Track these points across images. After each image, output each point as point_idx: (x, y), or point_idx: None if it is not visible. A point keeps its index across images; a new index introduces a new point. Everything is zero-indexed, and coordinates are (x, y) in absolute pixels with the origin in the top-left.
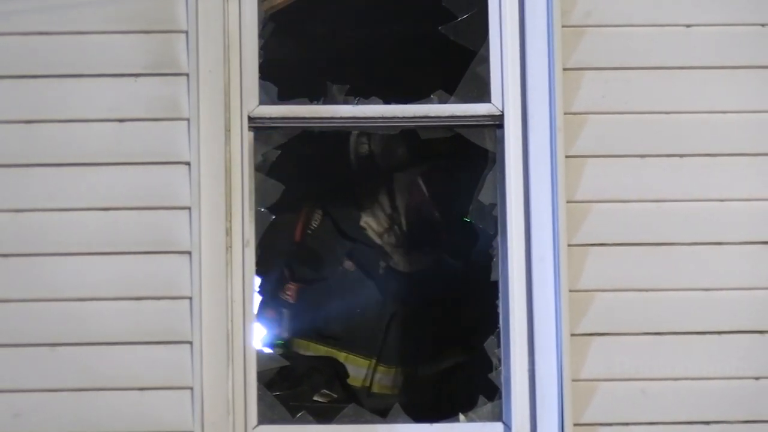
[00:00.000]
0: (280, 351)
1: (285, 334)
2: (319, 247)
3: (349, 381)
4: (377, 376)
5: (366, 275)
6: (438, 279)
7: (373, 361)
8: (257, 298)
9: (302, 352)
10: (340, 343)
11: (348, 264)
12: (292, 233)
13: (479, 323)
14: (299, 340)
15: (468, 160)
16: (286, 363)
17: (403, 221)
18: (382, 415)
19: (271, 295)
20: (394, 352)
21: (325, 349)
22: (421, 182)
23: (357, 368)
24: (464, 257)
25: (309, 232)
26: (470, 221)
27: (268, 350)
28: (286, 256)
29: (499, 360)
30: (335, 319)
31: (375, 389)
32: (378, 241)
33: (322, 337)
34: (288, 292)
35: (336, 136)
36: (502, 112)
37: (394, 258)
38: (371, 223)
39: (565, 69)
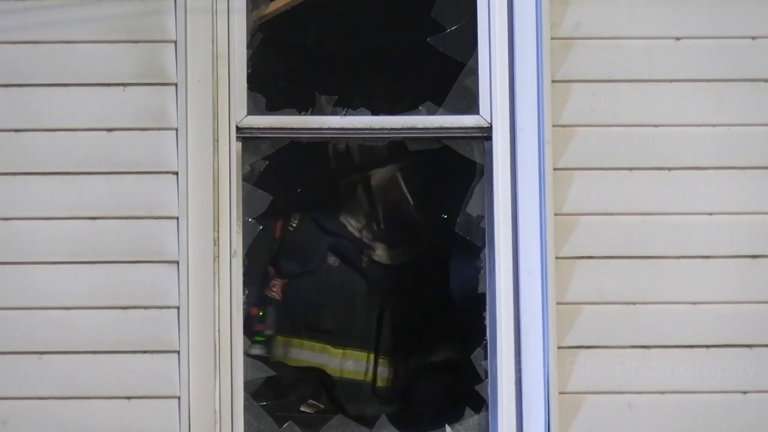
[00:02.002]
0: (264, 349)
1: (271, 332)
2: (302, 242)
3: (350, 377)
4: (379, 368)
5: (350, 268)
6: (425, 274)
7: (372, 353)
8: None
9: (295, 350)
10: (334, 338)
11: (331, 259)
12: (272, 231)
13: (466, 334)
14: (289, 338)
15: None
16: (272, 373)
17: (381, 218)
18: (370, 425)
19: (256, 294)
20: (390, 344)
21: (320, 345)
22: (399, 178)
23: (356, 362)
24: (446, 255)
25: (290, 228)
26: (447, 217)
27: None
28: (268, 254)
29: (486, 372)
30: (325, 313)
31: (379, 383)
32: (357, 235)
33: (314, 332)
34: (274, 289)
35: (319, 145)
36: (491, 124)
37: (376, 251)
38: (351, 221)
39: (553, 81)
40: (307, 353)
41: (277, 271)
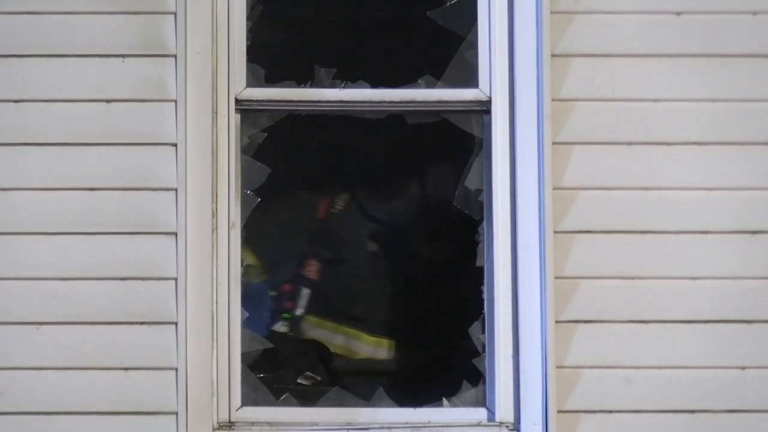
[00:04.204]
0: (289, 327)
1: (300, 312)
2: (342, 227)
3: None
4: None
5: (388, 257)
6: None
7: (393, 341)
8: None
9: (321, 330)
10: (362, 325)
11: (372, 246)
12: (315, 211)
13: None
14: (319, 319)
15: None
16: (270, 345)
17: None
18: (367, 398)
19: (291, 271)
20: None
21: (354, 331)
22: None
23: (376, 348)
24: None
25: (332, 211)
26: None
27: (280, 326)
28: (308, 234)
29: (484, 346)
30: (357, 300)
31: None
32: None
33: (345, 318)
34: (309, 269)
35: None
36: (490, 97)
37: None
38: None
39: (553, 55)
40: (341, 338)
41: (315, 252)
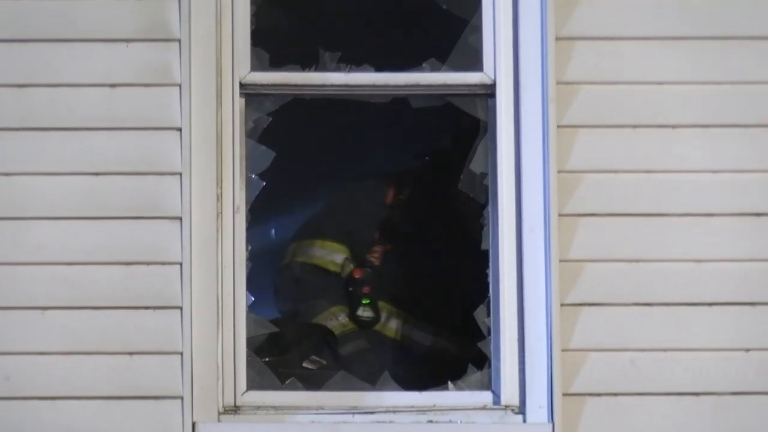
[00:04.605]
0: (367, 310)
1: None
2: (409, 213)
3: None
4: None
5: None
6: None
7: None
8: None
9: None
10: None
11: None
12: (383, 196)
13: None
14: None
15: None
16: (275, 329)
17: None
18: (373, 382)
19: (359, 256)
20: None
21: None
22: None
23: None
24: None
25: (400, 197)
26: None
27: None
28: (376, 219)
29: (489, 329)
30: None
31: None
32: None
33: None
34: (375, 255)
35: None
36: (494, 81)
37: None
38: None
39: (557, 38)
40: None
41: (381, 237)
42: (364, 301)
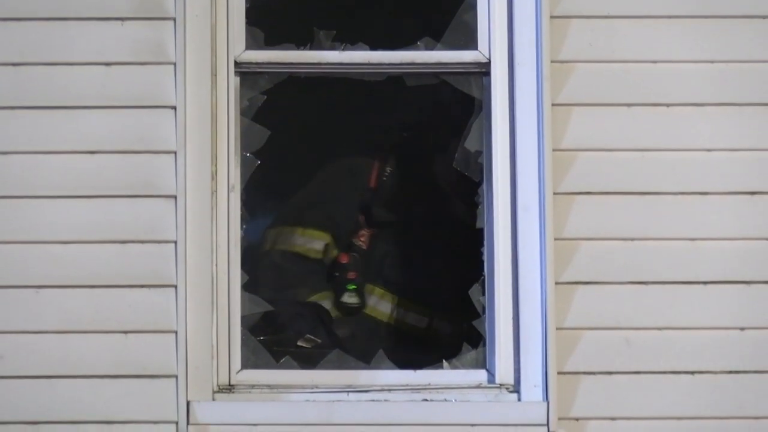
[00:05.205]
0: (352, 296)
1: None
2: (395, 194)
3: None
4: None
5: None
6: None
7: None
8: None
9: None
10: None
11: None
12: (366, 180)
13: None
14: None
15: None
16: (270, 308)
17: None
18: (368, 361)
19: (344, 241)
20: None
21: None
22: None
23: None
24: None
25: (384, 179)
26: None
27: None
28: (360, 202)
29: (484, 308)
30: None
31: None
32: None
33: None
34: (361, 239)
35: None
36: (489, 59)
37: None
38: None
39: (552, 17)
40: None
41: (368, 219)
42: (349, 287)
